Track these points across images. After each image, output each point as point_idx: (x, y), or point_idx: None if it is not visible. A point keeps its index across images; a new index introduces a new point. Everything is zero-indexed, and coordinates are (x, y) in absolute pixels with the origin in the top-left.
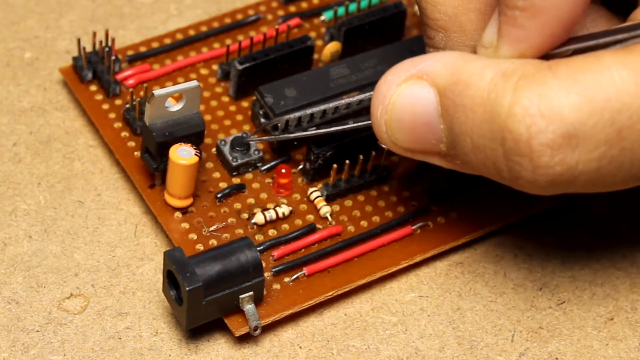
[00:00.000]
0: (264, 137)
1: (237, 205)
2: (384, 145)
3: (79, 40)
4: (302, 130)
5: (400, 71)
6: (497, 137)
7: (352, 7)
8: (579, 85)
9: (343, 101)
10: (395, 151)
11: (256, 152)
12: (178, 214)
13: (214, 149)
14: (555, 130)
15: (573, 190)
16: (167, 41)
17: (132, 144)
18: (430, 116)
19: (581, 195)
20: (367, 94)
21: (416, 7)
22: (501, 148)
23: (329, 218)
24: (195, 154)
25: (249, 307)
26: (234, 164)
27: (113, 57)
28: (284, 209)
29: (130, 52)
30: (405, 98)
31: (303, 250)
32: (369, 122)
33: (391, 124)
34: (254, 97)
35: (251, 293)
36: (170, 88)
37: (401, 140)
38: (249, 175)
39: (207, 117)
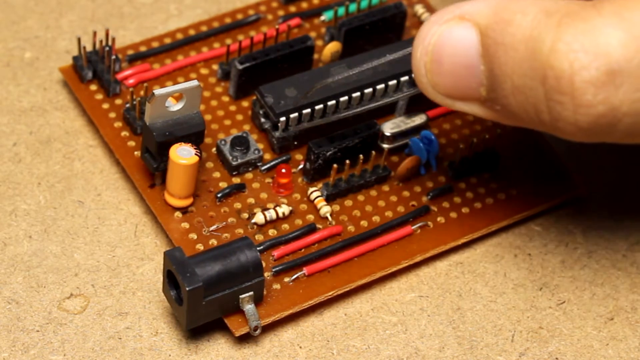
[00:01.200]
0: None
1: (237, 205)
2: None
3: (79, 40)
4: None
5: (443, 13)
6: (538, 75)
7: (352, 7)
8: (625, 23)
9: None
10: (434, 99)
11: (256, 152)
12: (178, 214)
13: (214, 149)
14: (599, 67)
15: (615, 137)
16: (167, 41)
17: (132, 143)
18: (471, 58)
19: (581, 194)
20: (404, 50)
21: (416, 8)
22: (542, 87)
23: (329, 218)
24: (196, 154)
25: (249, 307)
26: (234, 163)
27: (113, 57)
28: (284, 209)
29: (130, 52)
30: (446, 39)
31: (303, 250)
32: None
33: (431, 67)
34: (254, 97)
35: (251, 293)
36: (170, 88)
37: (440, 84)
38: (249, 175)
39: (207, 117)
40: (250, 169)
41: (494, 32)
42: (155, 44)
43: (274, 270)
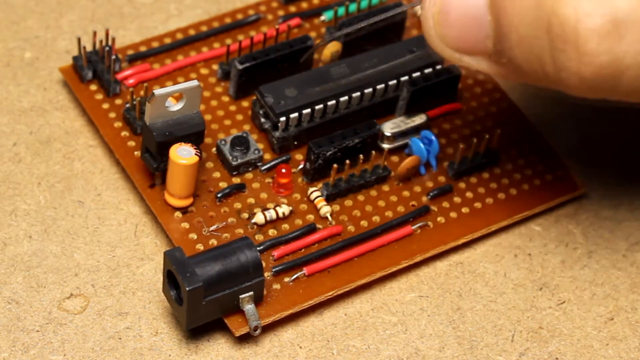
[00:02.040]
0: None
1: (237, 205)
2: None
3: (79, 40)
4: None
5: None
6: (543, 24)
7: (352, 7)
8: None
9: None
10: (442, 53)
11: (256, 152)
12: (178, 214)
13: (214, 149)
14: (604, 14)
15: (618, 93)
16: (167, 41)
17: (132, 143)
18: (478, 9)
19: (581, 194)
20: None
21: (416, 8)
22: (547, 36)
23: (329, 218)
24: (196, 154)
25: (249, 307)
26: (234, 163)
27: (113, 57)
28: (284, 209)
29: (130, 52)
30: None
31: (303, 250)
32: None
33: (439, 18)
34: (254, 97)
35: (251, 293)
36: (170, 88)
37: (448, 37)
38: (249, 175)
39: (207, 117)
40: (250, 169)
41: None
42: (155, 44)
43: (274, 270)
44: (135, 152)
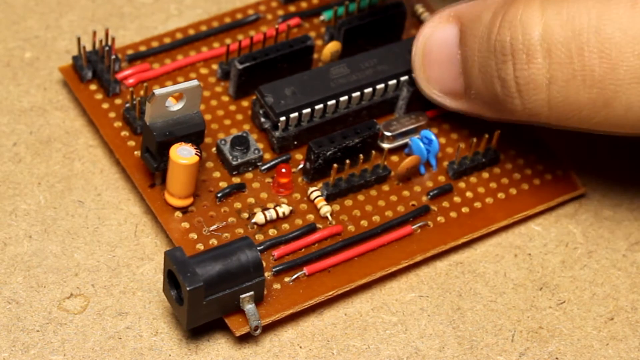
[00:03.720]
0: None
1: (238, 205)
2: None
3: (79, 40)
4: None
5: (438, 14)
6: (491, 48)
7: (352, 7)
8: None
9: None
10: (430, 96)
11: (256, 152)
12: (178, 214)
13: (214, 149)
14: (531, 37)
15: (551, 117)
16: (167, 41)
17: (132, 143)
18: (452, 49)
19: (581, 194)
20: None
21: (416, 7)
22: (494, 57)
23: (329, 218)
24: (196, 154)
25: (249, 307)
26: (234, 163)
27: (113, 57)
28: (284, 209)
29: (130, 52)
30: (435, 35)
31: (303, 250)
32: None
33: (422, 59)
34: (254, 97)
35: (251, 293)
36: (170, 87)
37: (432, 78)
38: (249, 175)
39: (207, 117)
40: (250, 168)
41: (470, 23)
42: (155, 44)
43: (274, 270)
44: (135, 152)
